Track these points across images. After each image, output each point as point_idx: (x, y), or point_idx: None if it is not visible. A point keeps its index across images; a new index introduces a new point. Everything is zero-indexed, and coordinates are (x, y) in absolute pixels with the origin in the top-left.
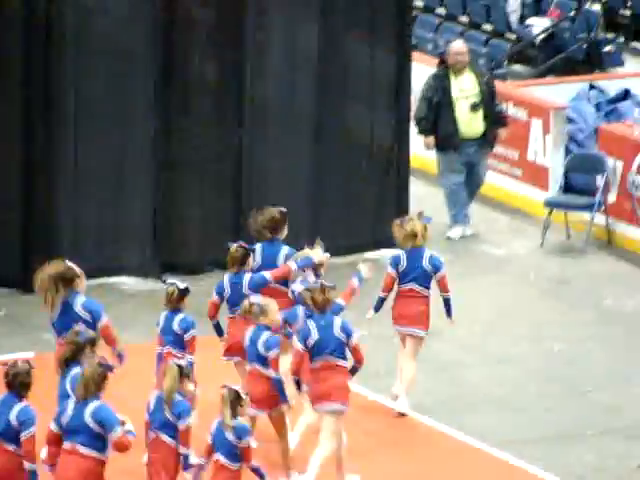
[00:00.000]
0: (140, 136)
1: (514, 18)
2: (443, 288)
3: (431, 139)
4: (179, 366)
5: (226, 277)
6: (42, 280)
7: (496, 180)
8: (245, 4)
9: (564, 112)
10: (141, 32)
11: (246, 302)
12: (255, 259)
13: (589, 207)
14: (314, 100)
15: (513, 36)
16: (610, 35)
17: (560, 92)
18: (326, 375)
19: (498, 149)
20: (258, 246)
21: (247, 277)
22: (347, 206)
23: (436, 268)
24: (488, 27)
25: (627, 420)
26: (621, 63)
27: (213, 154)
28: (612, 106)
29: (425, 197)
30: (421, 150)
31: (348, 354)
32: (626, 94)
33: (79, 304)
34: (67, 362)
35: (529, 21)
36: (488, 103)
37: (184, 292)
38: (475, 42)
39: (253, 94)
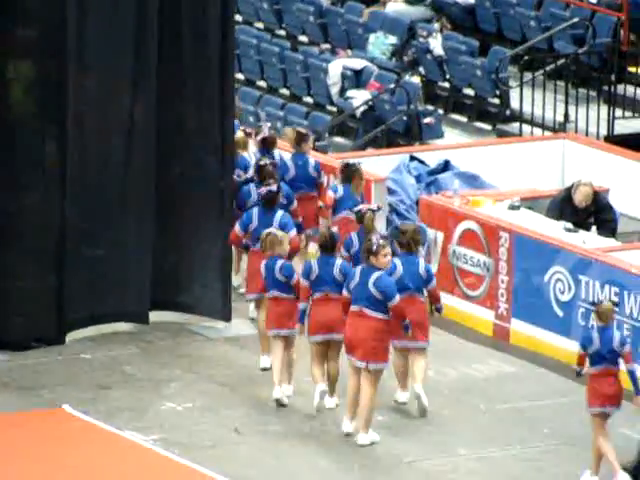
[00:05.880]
0: None
1: (334, 91)
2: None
3: None
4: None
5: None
6: None
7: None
8: (66, 95)
9: (385, 184)
10: None
11: None
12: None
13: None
14: (135, 168)
15: (334, 108)
16: (429, 107)
17: (381, 164)
18: None
19: (321, 220)
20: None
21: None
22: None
23: None
24: (309, 100)
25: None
26: (441, 135)
27: (38, 227)
28: (432, 177)
29: None
30: None
31: None
32: (446, 165)
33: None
34: None
35: (349, 93)
36: None
37: None
38: (296, 114)
39: (75, 165)
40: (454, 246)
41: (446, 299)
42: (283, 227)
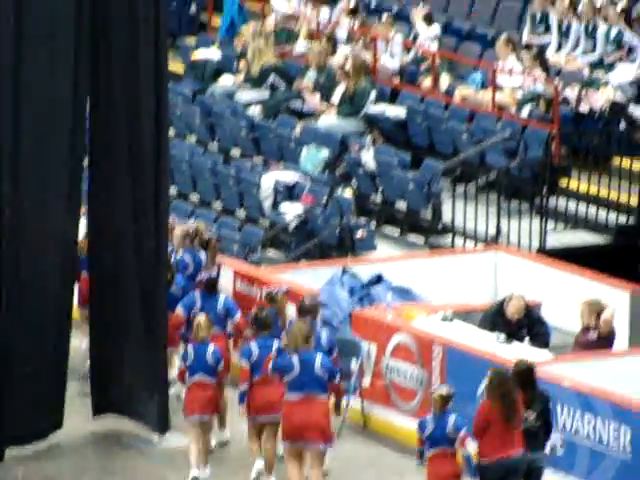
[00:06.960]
0: None
1: (267, 204)
2: None
3: None
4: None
5: None
6: None
7: None
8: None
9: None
10: None
11: None
12: None
13: (344, 391)
14: (69, 281)
15: (266, 222)
16: (362, 220)
17: (314, 277)
18: None
19: None
20: None
21: None
22: None
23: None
24: (241, 213)
25: None
26: (373, 248)
27: None
28: (365, 291)
29: None
30: None
31: None
32: (379, 279)
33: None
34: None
35: (282, 207)
36: None
37: None
38: (228, 228)
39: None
40: (387, 359)
41: (379, 412)
42: (229, 311)
